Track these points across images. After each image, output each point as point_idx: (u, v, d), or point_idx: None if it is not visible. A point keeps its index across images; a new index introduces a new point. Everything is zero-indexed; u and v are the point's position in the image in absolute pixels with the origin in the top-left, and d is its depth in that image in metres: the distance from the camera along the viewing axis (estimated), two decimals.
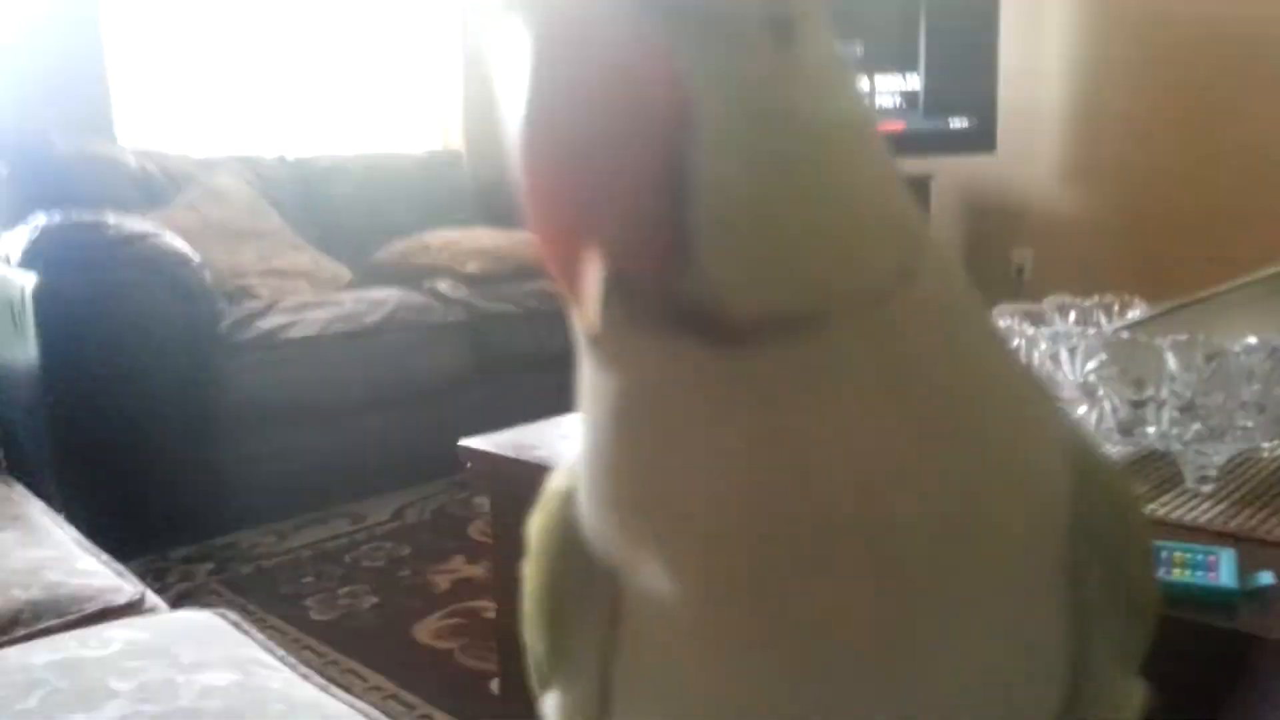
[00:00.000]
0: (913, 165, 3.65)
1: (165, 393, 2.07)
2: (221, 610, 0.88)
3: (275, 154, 2.92)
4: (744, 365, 0.25)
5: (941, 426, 0.27)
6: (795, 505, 0.26)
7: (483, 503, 2.08)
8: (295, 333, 2.25)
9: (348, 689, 0.83)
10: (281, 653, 0.80)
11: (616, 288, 0.23)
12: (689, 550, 0.26)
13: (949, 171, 3.76)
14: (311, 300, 2.38)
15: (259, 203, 2.63)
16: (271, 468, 2.21)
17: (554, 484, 0.32)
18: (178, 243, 2.12)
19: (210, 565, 2.05)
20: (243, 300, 2.33)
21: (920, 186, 3.67)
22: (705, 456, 0.25)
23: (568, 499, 0.30)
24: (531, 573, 0.32)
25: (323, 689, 0.74)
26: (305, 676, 0.76)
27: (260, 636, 0.83)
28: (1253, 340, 0.89)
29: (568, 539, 0.30)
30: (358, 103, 3.27)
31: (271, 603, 1.87)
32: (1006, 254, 3.91)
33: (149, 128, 2.83)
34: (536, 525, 0.32)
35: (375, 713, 0.72)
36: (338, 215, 2.89)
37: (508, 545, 1.26)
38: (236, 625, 0.85)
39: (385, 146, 3.28)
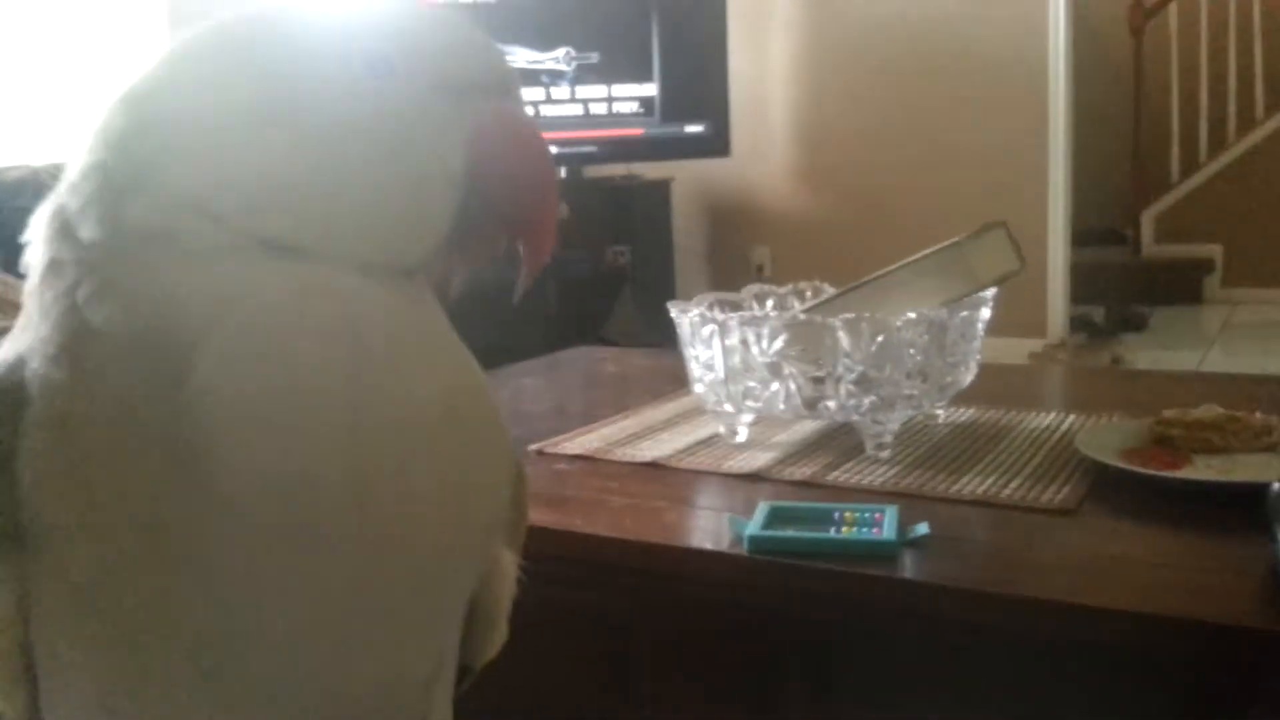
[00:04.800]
0: (653, 170, 3.77)
1: None
2: None
3: None
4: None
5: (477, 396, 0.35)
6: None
7: None
8: None
9: None
10: None
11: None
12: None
13: (688, 175, 3.90)
14: (5, 325, 2.20)
15: None
16: None
17: None
18: None
19: None
20: None
21: (661, 190, 3.78)
22: None
23: (4, 400, 0.31)
24: None
25: None
26: None
27: None
28: (912, 315, 0.97)
29: None
30: (52, 106, 3.03)
31: None
32: (747, 253, 4.10)
33: None
34: None
35: None
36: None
37: None
38: None
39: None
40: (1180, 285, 4.50)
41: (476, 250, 0.34)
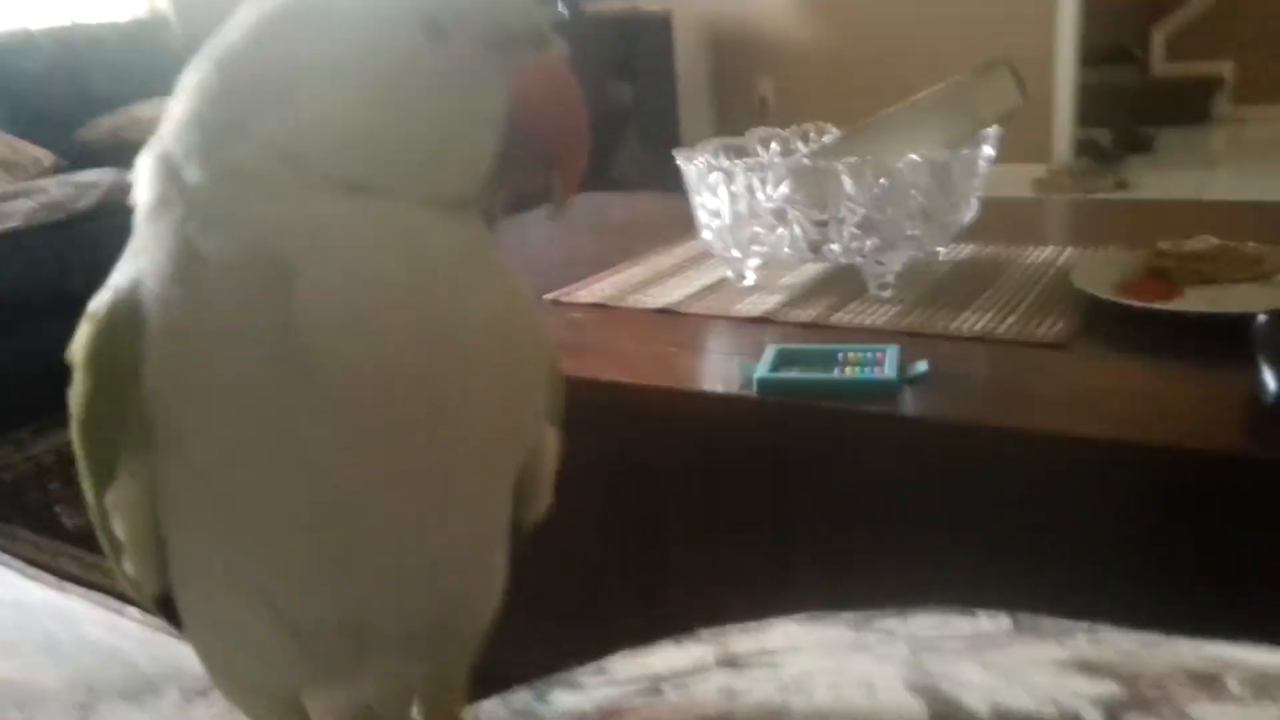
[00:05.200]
0: (653, 2, 3.67)
1: None
2: None
3: None
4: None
5: (527, 300, 0.40)
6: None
7: None
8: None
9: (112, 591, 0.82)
10: (7, 557, 0.79)
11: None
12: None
13: (689, 6, 3.79)
14: (11, 190, 2.20)
15: None
16: None
17: (106, 307, 0.36)
18: None
19: None
20: None
21: (662, 23, 3.69)
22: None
23: (127, 318, 0.35)
24: (85, 380, 0.37)
25: (58, 589, 0.75)
26: (35, 578, 0.76)
27: None
28: (915, 157, 0.98)
29: (124, 352, 0.35)
30: None
31: (17, 515, 1.79)
32: (750, 85, 4.02)
33: None
34: (91, 337, 0.36)
35: (114, 603, 0.73)
36: (33, 96, 2.64)
37: None
38: None
39: (82, 15, 2.98)
40: (1189, 104, 4.41)
41: (517, 181, 0.38)
